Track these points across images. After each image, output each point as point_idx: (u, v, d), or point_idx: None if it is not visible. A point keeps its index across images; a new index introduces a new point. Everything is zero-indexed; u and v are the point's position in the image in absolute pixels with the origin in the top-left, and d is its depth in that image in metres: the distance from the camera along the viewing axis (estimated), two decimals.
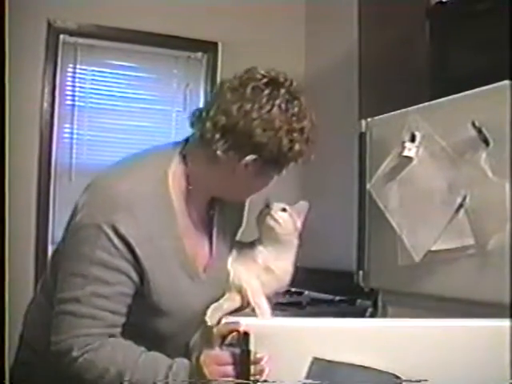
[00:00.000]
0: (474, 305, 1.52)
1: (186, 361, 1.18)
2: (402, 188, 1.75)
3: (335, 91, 3.25)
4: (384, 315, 1.96)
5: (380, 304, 2.01)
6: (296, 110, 1.26)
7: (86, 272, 1.20)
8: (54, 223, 3.06)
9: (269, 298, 1.40)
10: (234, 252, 1.44)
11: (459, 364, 1.05)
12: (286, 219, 1.42)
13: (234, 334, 1.09)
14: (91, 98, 3.25)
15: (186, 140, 1.35)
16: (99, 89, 3.28)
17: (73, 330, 1.19)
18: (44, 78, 3.09)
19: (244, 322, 1.08)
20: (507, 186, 1.46)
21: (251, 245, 1.44)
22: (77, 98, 3.22)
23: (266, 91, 1.24)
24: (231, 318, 1.06)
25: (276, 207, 1.43)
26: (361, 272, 1.99)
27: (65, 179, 3.08)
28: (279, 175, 1.36)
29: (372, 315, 2.25)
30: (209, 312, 1.33)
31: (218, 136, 1.24)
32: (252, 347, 1.05)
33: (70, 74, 3.20)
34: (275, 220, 1.41)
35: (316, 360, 1.04)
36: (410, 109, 1.80)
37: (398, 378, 1.05)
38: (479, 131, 1.53)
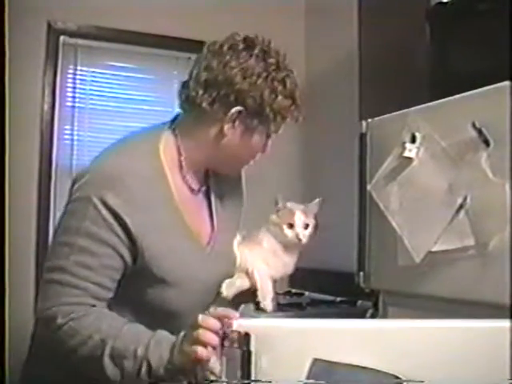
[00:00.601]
0: (474, 305, 1.52)
1: (170, 334, 1.17)
2: (403, 189, 1.75)
3: (335, 92, 3.25)
4: (385, 316, 1.96)
5: (381, 305, 2.01)
6: (273, 60, 1.30)
7: (72, 242, 1.22)
8: (55, 224, 3.05)
9: (275, 282, 1.42)
10: (239, 236, 1.46)
11: (459, 364, 1.04)
12: (308, 236, 1.42)
13: (235, 334, 1.07)
14: (92, 99, 3.25)
15: (175, 118, 1.38)
16: (100, 90, 3.28)
17: (57, 298, 1.21)
18: (44, 79, 3.10)
19: (245, 323, 1.07)
20: (507, 186, 1.46)
21: (256, 230, 1.45)
22: (77, 100, 3.22)
23: (242, 45, 1.29)
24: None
25: (298, 219, 1.41)
26: (361, 273, 1.99)
27: (65, 180, 3.08)
28: (270, 132, 1.33)
29: (373, 316, 2.25)
30: (224, 285, 1.35)
31: (201, 91, 1.27)
32: (253, 348, 1.05)
33: (70, 76, 3.20)
34: (299, 239, 1.41)
35: (316, 361, 1.04)
36: (410, 109, 1.80)
37: (397, 378, 1.04)
38: (479, 132, 1.53)
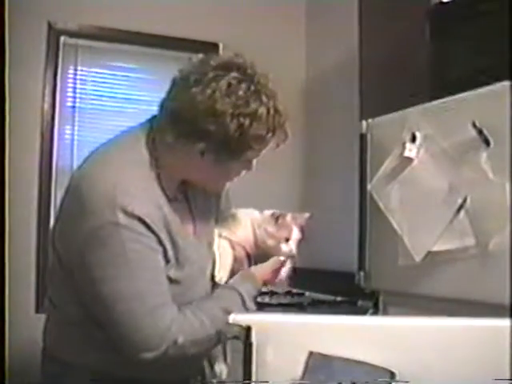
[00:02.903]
0: (475, 305, 1.52)
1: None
2: (403, 188, 1.75)
3: (336, 92, 3.25)
4: (385, 316, 1.96)
5: (381, 305, 2.01)
6: (242, 93, 1.20)
7: (124, 267, 1.21)
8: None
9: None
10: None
11: (457, 363, 1.05)
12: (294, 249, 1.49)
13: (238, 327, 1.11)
14: (92, 99, 3.25)
15: (151, 122, 1.35)
16: (100, 90, 3.28)
17: (166, 321, 1.23)
18: (45, 79, 3.10)
19: (248, 318, 1.10)
20: (508, 186, 1.46)
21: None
22: (78, 100, 3.22)
23: (211, 74, 1.20)
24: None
25: (295, 235, 1.48)
26: (362, 273, 1.99)
27: (66, 181, 3.06)
28: (248, 159, 1.30)
29: (373, 316, 2.25)
30: (216, 271, 1.43)
31: (167, 124, 1.25)
32: (254, 340, 1.07)
33: (70, 76, 3.20)
34: (292, 255, 1.48)
35: (312, 354, 1.07)
36: (410, 109, 1.80)
37: (392, 374, 1.06)
38: (480, 132, 1.53)
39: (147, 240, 1.22)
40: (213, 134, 1.20)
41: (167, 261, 1.28)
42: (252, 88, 1.22)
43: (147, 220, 1.21)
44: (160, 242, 1.25)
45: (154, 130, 1.31)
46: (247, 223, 1.51)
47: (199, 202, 1.42)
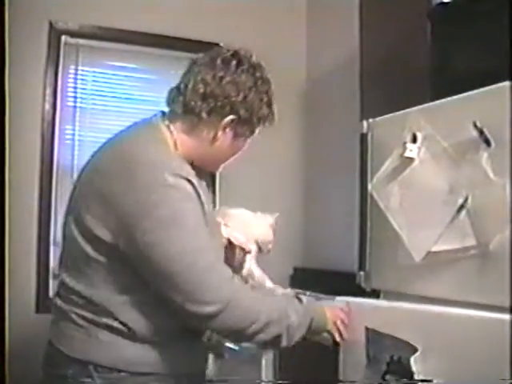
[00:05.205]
0: (475, 306, 1.52)
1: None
2: (404, 189, 1.75)
3: (337, 92, 3.25)
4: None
5: None
6: (259, 74, 1.50)
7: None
8: (56, 224, 3.06)
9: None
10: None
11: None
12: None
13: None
14: (93, 99, 3.25)
15: (163, 114, 1.53)
16: (101, 90, 3.28)
17: (222, 274, 1.38)
18: (45, 79, 3.10)
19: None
20: (508, 186, 1.46)
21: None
22: (78, 100, 3.22)
23: (234, 61, 1.48)
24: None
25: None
26: (362, 273, 1.99)
27: (67, 181, 3.08)
28: (250, 136, 1.55)
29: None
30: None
31: (199, 102, 1.45)
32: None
33: (71, 75, 3.21)
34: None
35: (368, 329, 1.63)
36: (411, 109, 1.80)
37: (415, 350, 1.48)
38: (481, 132, 1.53)
39: (196, 199, 1.37)
40: (242, 107, 1.46)
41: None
42: (264, 73, 1.53)
43: (193, 180, 1.37)
44: (202, 204, 1.38)
45: (169, 118, 1.50)
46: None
47: (202, 186, 1.52)
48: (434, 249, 1.63)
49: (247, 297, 1.42)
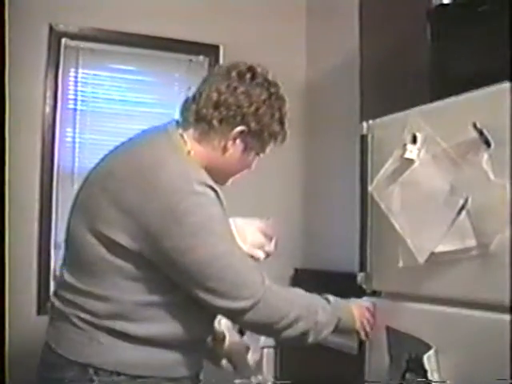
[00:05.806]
0: (475, 306, 1.52)
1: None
2: (404, 190, 1.75)
3: (336, 93, 3.25)
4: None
5: None
6: (274, 90, 1.52)
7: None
8: (57, 227, 3.06)
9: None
10: None
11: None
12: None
13: None
14: (93, 101, 3.25)
15: (176, 123, 1.55)
16: (101, 92, 3.28)
17: (254, 270, 1.43)
18: (46, 81, 3.10)
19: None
20: (508, 187, 1.46)
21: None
22: (79, 102, 3.22)
23: (249, 74, 1.50)
24: None
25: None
26: (363, 274, 1.99)
27: (67, 183, 3.08)
28: (260, 152, 1.57)
29: None
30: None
31: (211, 110, 1.47)
32: None
33: (71, 78, 3.21)
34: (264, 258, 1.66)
35: (388, 328, 1.70)
36: (411, 111, 1.80)
37: (429, 348, 1.54)
38: (481, 133, 1.53)
39: (220, 205, 1.41)
40: (253, 119, 1.48)
41: None
42: (279, 90, 1.55)
43: (216, 188, 1.42)
44: (224, 210, 1.43)
45: (182, 127, 1.52)
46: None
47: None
48: (436, 250, 1.63)
49: (278, 293, 1.46)
